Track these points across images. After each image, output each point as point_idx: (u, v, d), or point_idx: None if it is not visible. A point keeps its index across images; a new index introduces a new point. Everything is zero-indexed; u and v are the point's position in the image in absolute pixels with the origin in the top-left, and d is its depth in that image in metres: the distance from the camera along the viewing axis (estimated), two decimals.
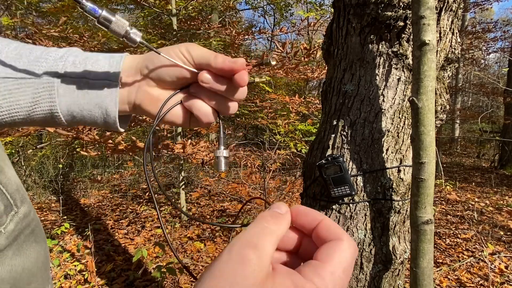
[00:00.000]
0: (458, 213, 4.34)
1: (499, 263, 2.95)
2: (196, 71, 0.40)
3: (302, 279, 0.24)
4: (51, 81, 0.38)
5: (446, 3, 1.00)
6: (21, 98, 0.38)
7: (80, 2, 0.33)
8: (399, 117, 1.03)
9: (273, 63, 0.39)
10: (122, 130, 0.44)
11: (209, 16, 6.13)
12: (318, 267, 0.25)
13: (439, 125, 1.10)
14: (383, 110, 1.02)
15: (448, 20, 1.04)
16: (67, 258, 3.10)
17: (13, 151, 5.54)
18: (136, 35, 0.38)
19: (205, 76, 0.39)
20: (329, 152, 1.05)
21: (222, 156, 0.42)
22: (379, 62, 1.03)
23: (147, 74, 0.41)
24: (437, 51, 1.02)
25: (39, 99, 0.38)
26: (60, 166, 5.55)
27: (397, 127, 1.03)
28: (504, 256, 3.08)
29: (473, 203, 4.71)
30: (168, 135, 3.97)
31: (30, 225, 0.29)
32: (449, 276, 2.78)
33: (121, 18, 0.36)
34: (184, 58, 0.39)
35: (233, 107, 0.42)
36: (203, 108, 0.41)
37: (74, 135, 2.61)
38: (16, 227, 0.27)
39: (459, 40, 1.10)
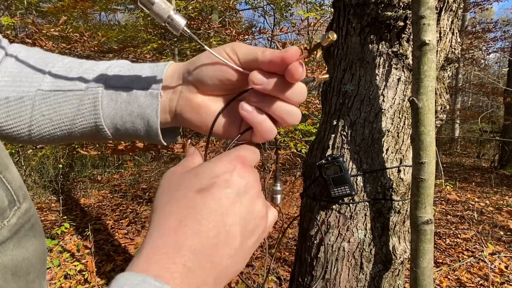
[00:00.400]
0: (458, 213, 4.34)
1: (499, 263, 2.95)
2: (241, 69, 0.35)
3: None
4: (96, 92, 0.38)
5: (446, 3, 1.00)
6: (68, 111, 0.38)
7: None
8: (399, 117, 1.03)
9: (334, 37, 0.31)
10: (165, 144, 0.42)
11: (209, 16, 6.13)
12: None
13: (439, 125, 1.10)
14: (383, 110, 1.02)
15: (448, 20, 1.04)
16: (67, 258, 3.10)
17: (13, 151, 5.54)
18: (180, 21, 0.34)
19: (256, 76, 0.33)
20: (329, 152, 1.05)
21: (279, 192, 0.40)
22: (379, 62, 1.03)
23: (188, 78, 0.37)
24: (437, 51, 1.02)
25: (84, 111, 0.38)
26: (60, 166, 5.55)
27: (397, 127, 1.03)
28: (504, 256, 3.08)
29: (473, 203, 4.71)
30: None
31: (30, 220, 0.30)
32: (449, 276, 2.78)
33: (166, 1, 0.33)
34: (229, 58, 0.35)
35: (294, 113, 0.34)
36: (265, 123, 0.35)
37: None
38: (17, 221, 0.28)
39: (459, 40, 1.10)
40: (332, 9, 1.16)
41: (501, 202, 4.91)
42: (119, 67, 0.40)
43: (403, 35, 1.01)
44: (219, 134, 0.38)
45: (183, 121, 0.39)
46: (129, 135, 0.41)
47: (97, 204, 4.97)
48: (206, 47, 0.35)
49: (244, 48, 0.34)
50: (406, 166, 1.02)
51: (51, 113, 0.39)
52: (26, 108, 0.38)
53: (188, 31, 0.34)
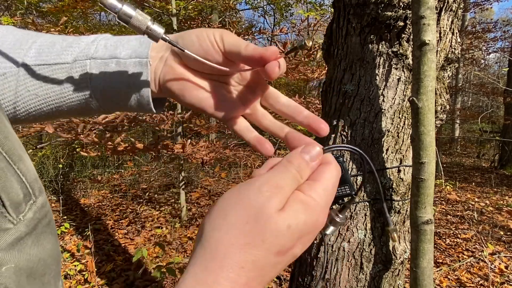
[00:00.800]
0: (458, 213, 4.34)
1: (499, 263, 2.95)
2: (225, 69, 0.37)
3: (303, 195, 0.29)
4: (84, 64, 0.37)
5: (446, 3, 1.00)
6: (55, 85, 0.37)
7: None
8: (399, 117, 1.03)
9: (309, 44, 0.34)
10: (155, 112, 0.42)
11: (209, 16, 6.14)
12: (314, 185, 0.30)
13: (439, 125, 1.10)
14: (383, 110, 1.02)
15: (448, 20, 1.04)
16: (67, 258, 3.10)
17: None
18: (158, 30, 0.35)
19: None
20: None
21: (337, 224, 0.41)
22: (379, 62, 1.03)
23: (174, 49, 0.38)
24: (437, 51, 1.02)
25: (73, 84, 0.38)
26: (60, 166, 5.55)
27: (397, 127, 1.03)
28: (504, 256, 3.08)
29: (473, 203, 4.71)
30: (168, 135, 3.97)
31: (47, 216, 0.29)
32: (449, 276, 2.78)
33: (142, 13, 0.34)
34: (215, 43, 0.36)
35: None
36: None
37: (73, 137, 2.60)
38: (34, 216, 0.27)
39: (459, 40, 1.10)
40: (332, 9, 1.16)
41: (501, 202, 4.91)
42: (105, 39, 0.40)
43: (403, 35, 1.01)
44: (207, 113, 0.40)
45: (166, 91, 0.40)
46: (119, 107, 0.40)
47: (97, 204, 4.97)
48: (188, 52, 0.35)
49: (231, 39, 0.36)
50: (406, 166, 1.02)
51: (37, 88, 0.38)
52: (10, 84, 0.37)
53: (167, 38, 0.35)
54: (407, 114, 1.03)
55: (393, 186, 1.00)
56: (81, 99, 0.39)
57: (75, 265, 2.92)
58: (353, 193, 1.04)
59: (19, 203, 0.25)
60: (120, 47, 0.39)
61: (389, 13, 0.97)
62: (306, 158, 0.31)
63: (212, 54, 0.36)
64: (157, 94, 0.41)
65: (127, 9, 0.33)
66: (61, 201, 4.58)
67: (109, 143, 2.70)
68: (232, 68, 0.38)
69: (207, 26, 4.12)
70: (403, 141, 1.03)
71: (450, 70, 1.13)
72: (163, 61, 0.39)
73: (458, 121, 10.84)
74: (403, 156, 1.02)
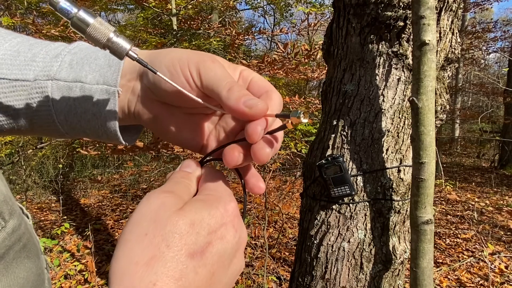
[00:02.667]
0: (458, 213, 4.34)
1: (499, 263, 2.95)
2: (199, 100, 0.31)
3: (200, 195, 0.28)
4: (45, 85, 0.33)
5: (446, 3, 1.00)
6: (16, 103, 0.33)
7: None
8: (399, 117, 1.03)
9: (305, 120, 0.28)
10: (126, 144, 0.37)
11: (209, 16, 6.13)
12: (206, 185, 0.29)
13: (439, 125, 1.10)
14: (383, 110, 1.02)
15: (448, 20, 1.04)
16: (67, 258, 3.10)
17: (13, 151, 5.54)
18: (123, 45, 0.28)
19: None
20: (329, 152, 1.05)
21: None
22: (379, 62, 1.03)
23: (145, 81, 0.33)
24: (437, 51, 1.02)
25: (34, 106, 0.33)
26: (60, 166, 5.55)
27: (397, 127, 1.03)
28: (504, 256, 3.08)
29: (473, 203, 4.71)
30: None
31: (21, 239, 0.26)
32: (449, 276, 2.78)
33: (104, 22, 0.27)
34: (191, 79, 0.30)
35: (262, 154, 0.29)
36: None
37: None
38: (3, 244, 0.24)
39: (459, 40, 1.10)
40: (332, 9, 1.16)
41: (501, 202, 4.91)
42: (71, 54, 0.34)
43: (403, 35, 1.01)
44: (182, 146, 0.36)
45: (141, 123, 0.36)
46: (86, 134, 0.36)
47: (97, 204, 4.97)
48: (160, 75, 0.29)
49: (211, 75, 0.30)
50: (406, 166, 1.02)
51: None
52: None
53: (135, 56, 0.29)
54: (407, 114, 1.03)
55: (393, 186, 1.00)
56: (44, 123, 0.34)
57: (75, 265, 2.92)
58: (353, 193, 1.04)
59: None
60: (87, 66, 0.33)
61: (389, 13, 0.97)
62: (187, 170, 0.31)
63: (184, 88, 0.31)
64: (130, 122, 0.36)
65: (84, 15, 0.27)
66: (61, 201, 4.58)
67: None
68: (213, 104, 0.32)
69: (207, 26, 4.12)
70: (403, 141, 1.03)
71: (450, 70, 1.13)
72: (135, 94, 0.34)
73: (458, 121, 10.85)
74: (403, 156, 1.02)
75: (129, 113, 0.35)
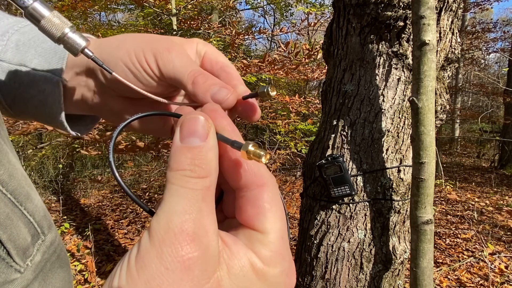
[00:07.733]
0: (458, 213, 4.34)
1: (499, 263, 2.95)
2: (152, 96, 0.29)
3: (255, 257, 0.20)
4: None
5: (446, 3, 1.00)
6: None
7: None
8: (399, 117, 1.03)
9: (273, 93, 0.28)
10: (78, 134, 0.34)
11: (209, 16, 6.13)
12: (263, 240, 0.21)
13: (439, 125, 1.10)
14: (383, 110, 1.02)
15: (448, 20, 1.04)
16: None
17: None
18: (78, 41, 0.26)
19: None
20: (329, 152, 1.05)
21: None
22: (379, 62, 1.03)
23: (98, 76, 0.31)
24: (437, 51, 1.02)
25: None
26: (60, 166, 5.55)
27: (397, 127, 1.03)
28: (504, 256, 3.08)
29: (473, 203, 4.71)
30: None
31: (56, 251, 0.26)
32: (449, 276, 2.78)
33: (61, 16, 0.26)
34: (149, 68, 0.28)
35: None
36: None
37: (75, 135, 2.60)
38: (43, 257, 0.24)
39: (459, 40, 1.10)
40: (332, 9, 1.16)
41: (501, 202, 4.91)
42: (20, 33, 0.32)
43: (403, 35, 1.01)
44: (151, 133, 0.34)
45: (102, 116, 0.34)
46: (36, 120, 0.35)
47: (97, 204, 4.97)
48: (117, 75, 0.28)
49: (169, 67, 0.28)
50: (406, 166, 1.02)
51: None
52: None
53: (91, 54, 0.27)
54: (407, 114, 1.03)
55: (393, 186, 1.00)
56: None
57: (75, 265, 2.92)
58: (353, 193, 1.04)
59: (26, 248, 0.22)
60: (33, 49, 0.31)
61: (389, 13, 0.97)
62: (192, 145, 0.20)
63: (144, 81, 0.29)
64: (87, 113, 0.34)
65: (39, 6, 0.25)
66: (61, 201, 4.58)
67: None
68: (173, 96, 0.31)
69: (207, 26, 4.12)
70: (403, 141, 1.03)
71: (450, 70, 1.13)
72: (91, 90, 0.32)
73: (458, 121, 10.85)
74: (403, 156, 1.02)
75: (86, 106, 0.33)
